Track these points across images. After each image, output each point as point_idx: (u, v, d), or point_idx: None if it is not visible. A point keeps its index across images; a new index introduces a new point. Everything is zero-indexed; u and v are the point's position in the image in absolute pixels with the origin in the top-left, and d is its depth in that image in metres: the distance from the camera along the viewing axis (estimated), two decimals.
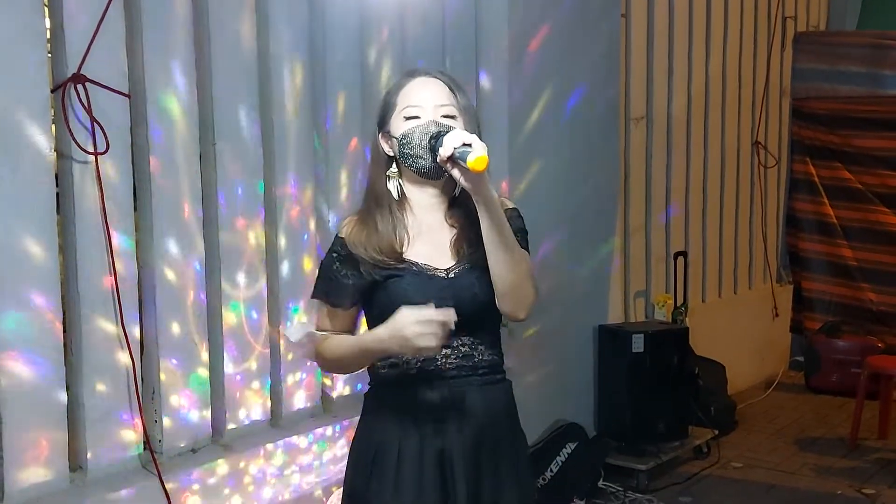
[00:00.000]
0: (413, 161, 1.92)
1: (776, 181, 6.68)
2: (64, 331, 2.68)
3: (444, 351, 1.94)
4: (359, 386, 3.56)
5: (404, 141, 1.93)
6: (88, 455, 2.73)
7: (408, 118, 1.94)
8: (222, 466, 3.01)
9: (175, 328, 2.93)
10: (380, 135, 2.00)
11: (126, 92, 2.75)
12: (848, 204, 6.49)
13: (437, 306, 1.82)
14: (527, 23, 4.17)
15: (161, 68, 2.84)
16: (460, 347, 1.98)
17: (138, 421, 2.82)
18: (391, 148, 1.97)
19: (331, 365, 2.08)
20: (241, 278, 3.13)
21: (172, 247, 2.91)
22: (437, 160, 1.83)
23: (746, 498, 4.39)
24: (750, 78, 6.27)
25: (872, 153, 6.30)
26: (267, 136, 3.19)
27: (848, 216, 6.50)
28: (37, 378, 2.57)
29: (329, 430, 3.36)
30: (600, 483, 4.35)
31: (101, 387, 2.74)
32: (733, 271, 6.26)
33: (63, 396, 2.65)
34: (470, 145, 1.77)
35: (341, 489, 3.24)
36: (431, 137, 1.87)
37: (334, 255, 1.99)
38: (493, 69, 4.11)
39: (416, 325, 1.79)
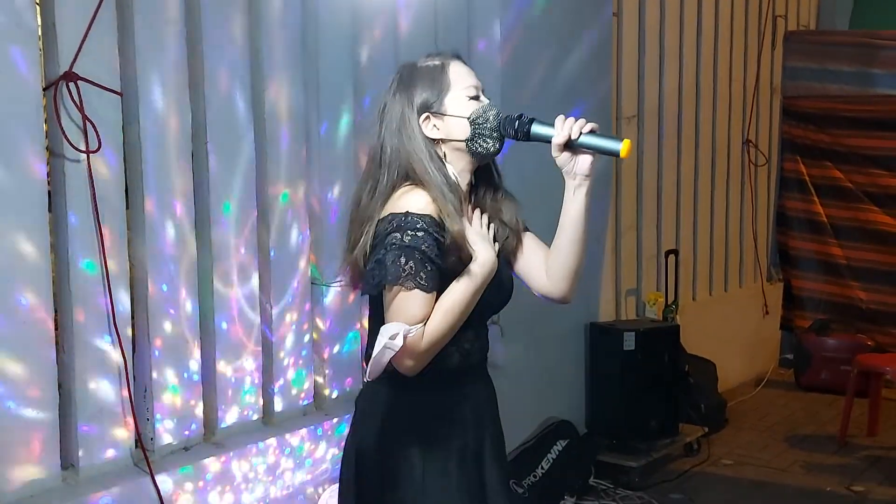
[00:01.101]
0: (482, 142, 1.89)
1: (766, 180, 6.71)
2: (56, 329, 2.68)
3: (476, 343, 1.96)
4: (348, 388, 3.57)
5: (479, 121, 1.88)
6: (80, 453, 2.72)
7: (472, 98, 1.91)
8: (214, 464, 3.01)
9: (167, 326, 2.93)
10: (423, 117, 1.89)
11: (118, 90, 2.75)
12: (838, 203, 6.53)
13: (491, 299, 1.91)
14: (518, 23, 4.17)
15: (153, 67, 2.84)
16: (483, 338, 2.01)
17: (130, 419, 2.82)
18: (437, 129, 1.90)
19: (438, 346, 1.84)
20: (233, 277, 3.13)
21: (165, 245, 2.91)
22: (556, 141, 1.85)
23: (737, 495, 4.41)
24: (740, 77, 6.29)
25: (863, 152, 6.34)
26: (259, 135, 3.20)
27: (838, 215, 6.54)
28: (28, 376, 2.57)
29: (322, 429, 3.37)
30: (591, 480, 4.37)
31: (92, 385, 2.74)
32: (724, 269, 6.28)
33: (55, 394, 2.65)
34: (593, 133, 1.84)
35: (333, 487, 3.26)
36: (516, 120, 1.88)
37: (422, 233, 1.79)
38: (484, 69, 4.11)
39: (486, 230, 1.93)
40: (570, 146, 1.86)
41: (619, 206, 5.21)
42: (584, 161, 1.88)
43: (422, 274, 1.78)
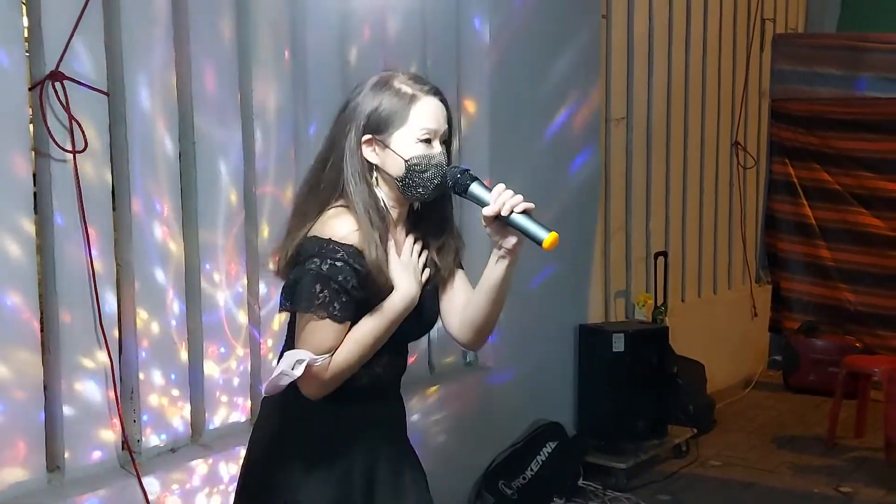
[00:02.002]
0: (413, 186, 1.84)
1: (755, 182, 6.73)
2: (41, 330, 2.66)
3: (387, 368, 1.94)
4: None
5: (416, 167, 1.83)
6: (66, 455, 2.71)
7: (420, 140, 1.84)
8: (202, 466, 3.00)
9: (154, 327, 2.92)
10: (366, 138, 1.85)
11: (105, 90, 2.73)
12: (826, 205, 6.55)
13: (409, 329, 1.91)
14: (507, 23, 4.18)
15: (140, 66, 2.83)
16: (397, 364, 1.99)
17: (117, 421, 2.81)
18: (376, 155, 1.86)
19: (344, 375, 1.83)
20: (221, 277, 3.12)
21: (151, 246, 2.90)
22: (485, 212, 1.79)
23: (725, 496, 4.42)
24: (729, 79, 6.31)
25: (851, 154, 6.36)
26: (247, 135, 3.19)
27: (826, 217, 6.56)
28: (13, 377, 2.55)
29: None
30: (580, 482, 4.37)
31: (78, 386, 2.72)
32: (713, 271, 6.30)
33: (40, 396, 2.64)
34: (526, 213, 1.79)
35: None
36: (458, 175, 1.83)
37: (340, 263, 1.77)
38: (473, 69, 4.12)
39: (415, 258, 1.90)
40: (500, 220, 1.81)
41: (608, 208, 5.22)
42: (510, 239, 1.83)
43: (335, 304, 1.77)
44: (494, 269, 1.87)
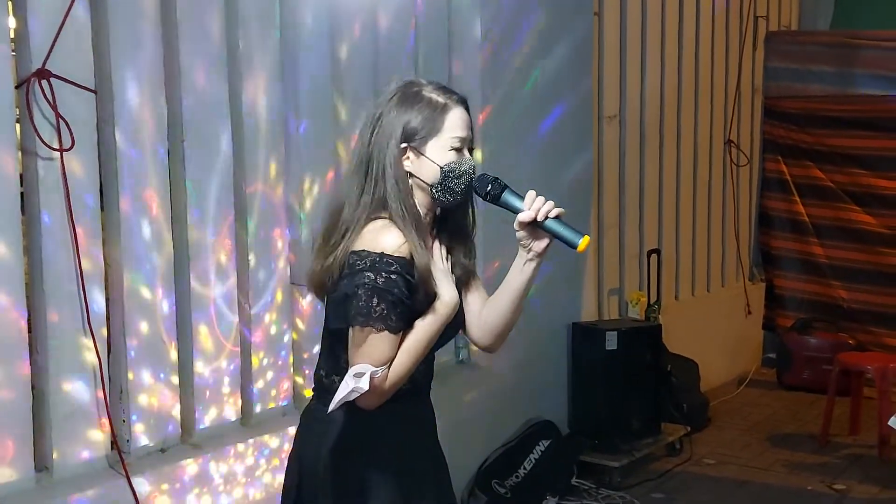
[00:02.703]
0: (447, 192, 1.91)
1: (748, 179, 6.73)
2: (29, 330, 2.64)
3: (422, 369, 1.98)
4: None
5: (451, 174, 1.90)
6: (54, 455, 2.69)
7: (453, 149, 1.91)
8: (192, 466, 2.98)
9: (143, 327, 2.90)
10: (404, 146, 1.91)
11: (92, 87, 2.72)
12: (819, 202, 6.55)
13: (449, 333, 1.97)
14: (499, 20, 4.17)
15: (128, 64, 2.81)
16: (432, 366, 2.07)
17: (105, 420, 2.79)
18: (412, 164, 1.92)
19: (400, 383, 1.88)
20: (210, 277, 3.10)
21: (140, 245, 2.88)
22: (521, 217, 1.87)
23: (719, 494, 4.42)
24: (722, 77, 6.31)
25: (844, 152, 6.37)
26: (237, 133, 3.17)
27: (819, 214, 6.56)
28: (1, 377, 2.54)
29: None
30: (573, 480, 4.36)
31: (67, 386, 2.71)
32: (706, 269, 6.29)
33: (28, 395, 2.62)
34: (559, 218, 1.87)
35: None
36: (489, 183, 1.91)
37: (395, 276, 1.83)
38: (465, 66, 4.11)
39: (447, 265, 1.97)
40: (533, 225, 1.89)
41: (602, 206, 5.21)
42: (542, 242, 1.91)
43: (392, 316, 1.82)
44: (522, 271, 1.95)
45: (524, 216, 1.88)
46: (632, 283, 5.48)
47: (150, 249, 2.91)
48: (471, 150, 1.97)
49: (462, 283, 2.02)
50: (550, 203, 1.88)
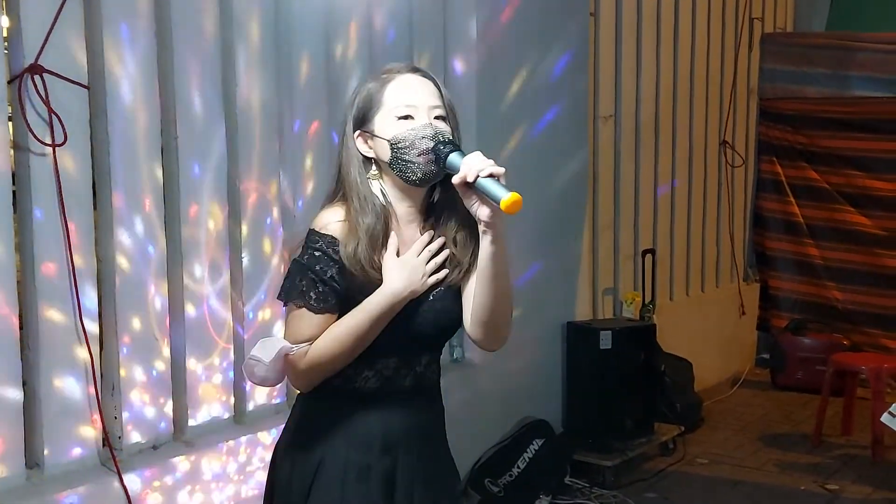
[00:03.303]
0: (405, 167, 1.78)
1: (743, 180, 6.74)
2: (21, 327, 2.64)
3: (401, 371, 1.89)
4: None
5: (399, 145, 1.78)
6: (46, 452, 2.69)
7: (401, 118, 1.79)
8: (184, 463, 2.98)
9: (135, 323, 2.90)
10: (356, 133, 1.84)
11: (85, 83, 2.71)
12: (814, 203, 6.57)
13: (419, 331, 1.85)
14: (495, 20, 4.16)
15: (121, 60, 2.81)
16: (417, 368, 1.92)
17: (97, 417, 2.78)
18: (372, 149, 1.83)
19: (324, 368, 1.80)
20: (203, 272, 3.09)
21: (133, 241, 2.87)
22: (454, 180, 1.72)
23: (711, 494, 4.42)
24: (717, 78, 6.31)
25: (838, 153, 6.38)
26: (230, 130, 3.16)
27: (814, 215, 6.58)
28: None
29: None
30: (567, 479, 4.36)
31: (58, 382, 2.70)
32: (701, 269, 6.30)
33: (19, 392, 2.61)
34: (494, 177, 1.70)
35: None
36: (438, 145, 1.76)
37: (318, 253, 1.78)
38: (461, 66, 4.11)
39: (422, 258, 1.82)
40: (471, 187, 1.72)
41: (596, 206, 5.21)
42: (484, 208, 1.73)
43: (311, 294, 1.78)
44: (481, 249, 1.79)
45: (455, 178, 1.72)
46: (626, 282, 5.48)
47: (142, 246, 2.90)
48: (446, 120, 1.83)
49: (462, 279, 1.88)
50: (488, 162, 1.71)
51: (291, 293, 1.80)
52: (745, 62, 6.59)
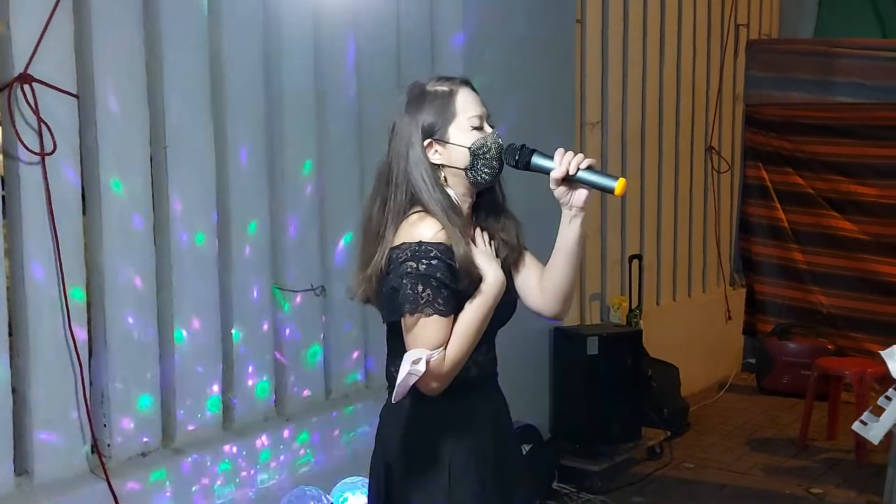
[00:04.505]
0: (482, 171, 1.96)
1: (729, 186, 6.79)
2: (10, 334, 2.65)
3: (488, 355, 2.05)
4: (312, 389, 3.56)
5: (480, 150, 1.95)
6: (35, 459, 2.69)
7: (474, 128, 1.97)
8: (173, 470, 2.99)
9: (125, 330, 2.91)
10: (427, 141, 1.97)
11: (74, 92, 2.72)
12: (799, 209, 6.62)
13: (502, 316, 2.01)
14: (482, 27, 4.19)
15: (111, 69, 2.82)
16: (493, 351, 2.08)
17: (86, 424, 2.79)
18: (438, 154, 1.97)
19: (458, 367, 1.92)
20: (193, 280, 3.10)
21: (122, 250, 2.89)
22: (554, 174, 1.92)
23: (698, 498, 4.45)
24: (703, 84, 6.36)
25: (824, 159, 6.44)
26: (220, 140, 3.18)
27: (799, 220, 6.63)
28: None
29: (283, 433, 3.35)
30: (554, 484, 4.38)
31: (48, 390, 2.71)
32: (687, 274, 6.34)
33: (9, 399, 2.62)
34: (590, 168, 1.92)
35: (293, 491, 3.24)
36: (516, 152, 1.96)
37: (436, 261, 1.88)
38: (448, 73, 4.12)
39: (490, 250, 2.01)
40: (568, 180, 1.93)
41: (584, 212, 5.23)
42: (581, 195, 1.95)
43: (439, 300, 1.88)
44: (569, 230, 1.99)
45: (556, 173, 1.93)
46: (613, 288, 5.52)
47: (132, 253, 2.91)
48: (491, 126, 2.02)
49: (511, 263, 2.06)
50: (580, 155, 1.93)
51: (418, 304, 1.87)
52: (731, 68, 6.65)
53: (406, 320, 1.89)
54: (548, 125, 4.64)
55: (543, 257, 2.10)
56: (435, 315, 1.87)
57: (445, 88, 1.99)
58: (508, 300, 2.03)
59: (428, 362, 1.83)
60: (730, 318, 6.66)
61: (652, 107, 5.83)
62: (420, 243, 1.89)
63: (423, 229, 1.90)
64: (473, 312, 1.92)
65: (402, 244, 1.91)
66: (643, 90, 5.73)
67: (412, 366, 1.81)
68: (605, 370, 4.62)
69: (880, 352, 2.06)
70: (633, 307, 5.36)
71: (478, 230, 2.04)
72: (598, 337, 4.62)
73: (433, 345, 1.86)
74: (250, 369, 3.34)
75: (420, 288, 1.87)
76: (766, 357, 6.28)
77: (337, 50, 3.60)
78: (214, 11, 3.14)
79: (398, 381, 1.82)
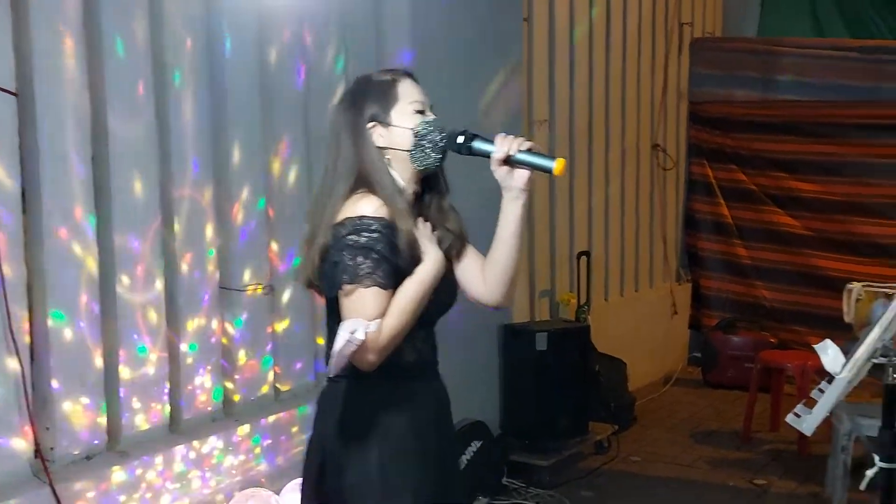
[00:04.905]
0: (423, 154, 1.99)
1: (675, 183, 6.89)
2: None
3: (427, 341, 2.07)
4: (262, 390, 3.54)
5: (423, 132, 1.99)
6: None
7: (417, 111, 2.01)
8: (118, 474, 2.95)
9: (67, 333, 2.86)
10: (373, 124, 2.00)
11: (13, 90, 2.67)
12: (743, 205, 6.75)
13: (443, 300, 2.03)
14: (428, 25, 4.19)
15: (51, 67, 2.77)
16: (432, 338, 2.11)
17: (28, 429, 2.74)
18: (383, 138, 2.00)
19: (395, 342, 1.91)
20: (137, 281, 3.07)
21: (64, 249, 2.84)
22: (495, 156, 1.96)
23: (645, 491, 4.52)
24: (649, 82, 6.45)
25: (766, 156, 6.57)
26: (163, 137, 3.14)
27: (743, 216, 6.76)
28: None
29: (231, 434, 3.33)
30: (504, 480, 4.42)
31: None
32: (634, 270, 6.43)
33: None
34: (530, 150, 1.96)
35: (243, 493, 3.22)
36: (458, 136, 1.99)
37: (377, 234, 1.90)
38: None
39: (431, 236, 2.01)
40: (509, 162, 1.97)
41: (533, 209, 5.28)
42: (521, 175, 1.99)
43: (378, 272, 1.89)
44: (510, 212, 2.03)
45: (497, 154, 1.96)
46: (562, 284, 5.57)
47: (74, 254, 2.87)
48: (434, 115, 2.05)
49: (453, 253, 2.09)
50: (521, 138, 1.97)
51: (356, 275, 1.87)
52: (676, 66, 6.75)
53: (345, 292, 1.89)
54: (497, 123, 4.66)
55: (485, 250, 2.13)
56: (374, 287, 1.87)
57: (388, 77, 2.05)
58: (448, 286, 2.06)
59: (366, 333, 1.82)
60: (676, 313, 6.76)
61: (599, 105, 5.89)
62: (361, 217, 1.91)
63: (365, 204, 1.93)
64: (412, 287, 1.93)
65: (344, 219, 1.92)
66: (590, 88, 5.79)
67: (350, 335, 1.79)
68: (554, 366, 4.66)
69: (814, 346, 2.11)
70: (581, 303, 5.42)
71: (420, 219, 2.05)
72: (547, 333, 4.66)
73: (370, 316, 1.86)
74: (198, 370, 3.30)
75: (360, 259, 1.88)
76: (710, 351, 6.39)
77: (282, 43, 3.56)
78: (156, 8, 3.09)
79: (335, 349, 1.81)
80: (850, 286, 4.52)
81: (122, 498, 2.95)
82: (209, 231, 3.32)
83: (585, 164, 5.80)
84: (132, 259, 3.05)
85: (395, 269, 1.91)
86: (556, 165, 1.94)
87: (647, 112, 6.46)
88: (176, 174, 3.19)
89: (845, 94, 6.28)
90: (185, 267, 3.24)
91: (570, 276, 5.61)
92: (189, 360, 3.27)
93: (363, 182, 1.97)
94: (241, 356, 3.47)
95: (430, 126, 2.00)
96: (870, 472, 2.04)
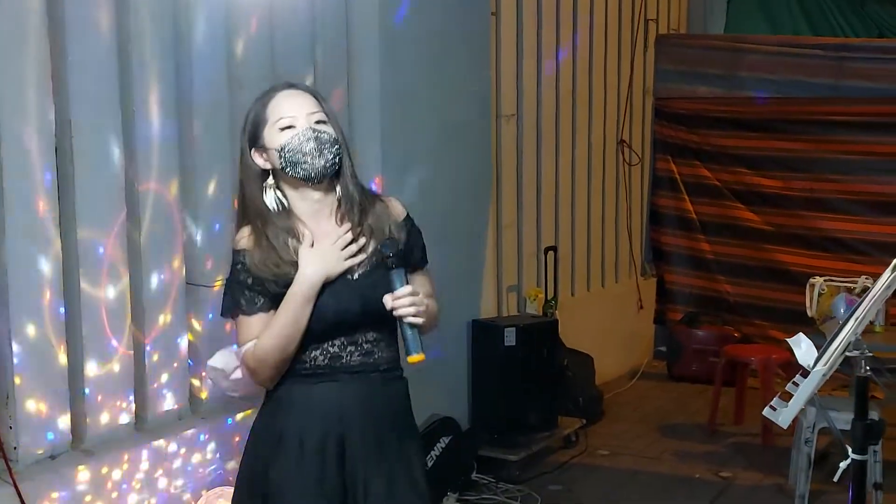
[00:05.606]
0: (298, 167, 2.01)
1: (640, 178, 6.93)
2: None
3: (348, 348, 2.06)
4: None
5: (287, 150, 2.01)
6: None
7: (283, 129, 2.03)
8: (83, 473, 2.90)
9: (30, 330, 2.80)
10: (252, 150, 2.06)
11: None
12: (706, 200, 6.80)
13: (346, 308, 2.03)
14: (396, 22, 4.17)
15: (13, 59, 2.71)
16: (363, 344, 2.08)
17: None
18: (266, 161, 2.05)
19: (270, 359, 2.01)
20: (101, 278, 3.01)
21: (26, 246, 2.78)
22: (384, 300, 1.99)
23: (612, 484, 4.55)
24: (615, 78, 6.48)
25: (729, 152, 6.63)
26: (128, 130, 3.09)
27: (706, 212, 6.81)
28: None
29: (197, 433, 3.28)
30: (473, 475, 4.42)
31: None
32: (601, 265, 6.46)
33: None
34: (411, 325, 1.98)
35: (213, 491, 3.18)
36: (389, 251, 2.01)
37: (239, 265, 2.04)
38: (364, 66, 4.10)
39: (338, 244, 2.03)
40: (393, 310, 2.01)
41: (500, 204, 5.29)
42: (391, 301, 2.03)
43: (241, 301, 2.04)
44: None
45: (387, 302, 1.99)
46: (530, 279, 5.58)
47: (36, 250, 2.81)
48: (323, 122, 2.05)
49: (388, 254, 2.04)
50: (412, 309, 1.98)
51: (226, 306, 2.08)
52: (641, 62, 6.78)
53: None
54: (464, 118, 4.66)
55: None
56: (241, 316, 2.04)
57: (263, 97, 2.09)
58: (362, 298, 2.03)
59: (238, 355, 1.97)
60: (641, 307, 6.80)
61: (565, 100, 5.91)
62: (233, 251, 2.08)
63: (237, 237, 2.08)
64: (283, 306, 2.01)
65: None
66: (557, 83, 5.80)
67: (209, 366, 1.97)
68: (522, 361, 4.67)
69: (787, 339, 2.12)
70: (549, 298, 5.43)
71: (345, 226, 2.05)
72: (515, 328, 4.67)
73: (245, 342, 2.04)
74: (163, 369, 3.25)
75: (229, 291, 2.07)
76: (675, 345, 6.44)
77: (250, 35, 3.52)
78: (122, 0, 3.04)
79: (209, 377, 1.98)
80: (812, 280, 4.60)
81: (88, 497, 2.90)
82: (175, 226, 3.27)
83: (552, 158, 5.82)
84: (96, 255, 3.00)
85: (264, 293, 2.02)
86: (414, 357, 1.98)
87: (613, 108, 6.49)
88: (141, 168, 3.13)
89: (807, 90, 6.36)
90: (150, 263, 3.19)
91: (537, 272, 5.62)
92: (155, 358, 3.23)
93: (244, 210, 2.08)
94: (207, 352, 3.42)
95: (296, 140, 2.01)
96: (843, 464, 2.06)
